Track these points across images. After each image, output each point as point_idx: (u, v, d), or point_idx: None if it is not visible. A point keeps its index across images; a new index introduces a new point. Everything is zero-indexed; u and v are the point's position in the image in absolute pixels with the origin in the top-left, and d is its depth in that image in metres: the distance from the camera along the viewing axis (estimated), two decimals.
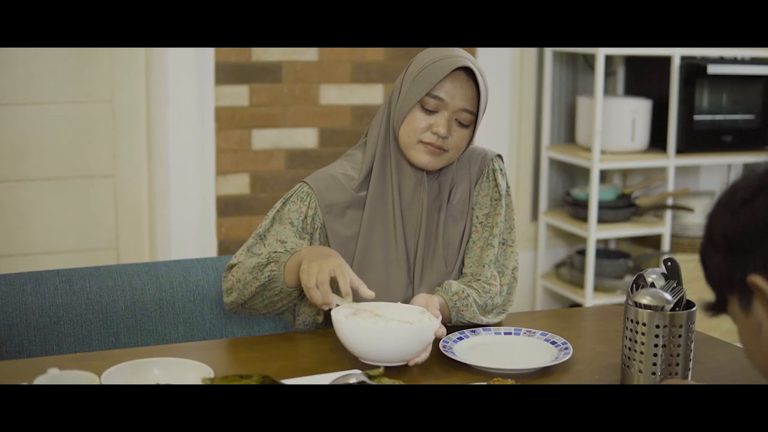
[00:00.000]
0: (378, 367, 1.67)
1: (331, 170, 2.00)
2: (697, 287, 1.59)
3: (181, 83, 3.49)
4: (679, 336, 1.63)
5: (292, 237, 1.92)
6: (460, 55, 1.90)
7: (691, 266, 2.16)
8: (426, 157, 1.92)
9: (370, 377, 1.57)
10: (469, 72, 1.90)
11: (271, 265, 1.86)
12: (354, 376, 1.50)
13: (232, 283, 1.91)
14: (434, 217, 1.99)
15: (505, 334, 1.90)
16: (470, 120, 1.92)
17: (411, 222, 1.98)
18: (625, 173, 4.29)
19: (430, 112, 1.90)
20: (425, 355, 1.74)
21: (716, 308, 1.18)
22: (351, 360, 1.76)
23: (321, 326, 2.01)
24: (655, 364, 1.63)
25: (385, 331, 1.69)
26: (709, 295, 1.20)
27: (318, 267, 1.75)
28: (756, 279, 1.09)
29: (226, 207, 3.67)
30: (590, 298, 3.84)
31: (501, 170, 2.05)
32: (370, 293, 1.75)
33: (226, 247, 3.67)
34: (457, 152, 1.95)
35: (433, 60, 1.90)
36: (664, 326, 1.62)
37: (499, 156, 2.07)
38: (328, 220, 1.94)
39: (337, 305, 1.76)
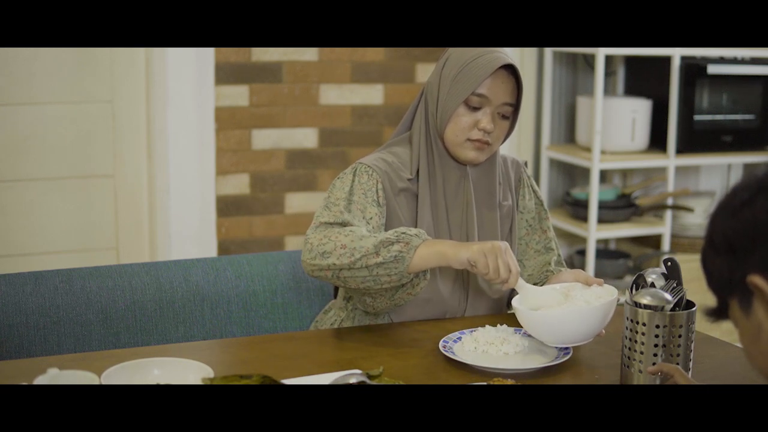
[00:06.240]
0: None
1: (381, 155, 2.02)
2: (697, 287, 1.59)
3: (181, 83, 3.48)
4: (679, 336, 1.63)
5: (370, 207, 1.93)
6: (496, 50, 1.95)
7: (691, 266, 2.17)
8: (473, 153, 1.97)
9: (370, 377, 1.58)
10: (506, 66, 1.94)
11: (400, 244, 1.79)
12: (354, 376, 1.50)
13: (334, 247, 1.80)
14: (486, 214, 2.04)
15: None
16: (510, 111, 1.98)
17: (455, 215, 2.01)
18: (625, 173, 4.29)
19: (474, 108, 1.95)
20: None
21: (717, 313, 1.18)
22: (351, 360, 1.76)
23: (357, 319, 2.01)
24: (654, 365, 1.63)
25: (589, 311, 1.74)
26: (708, 297, 1.20)
27: (489, 247, 1.78)
28: (756, 279, 1.09)
29: (226, 207, 3.67)
30: None
31: (530, 177, 2.15)
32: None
33: (226, 247, 3.67)
34: (498, 143, 2.01)
35: (470, 58, 1.94)
36: (664, 326, 1.62)
37: (525, 163, 2.18)
38: (390, 198, 1.97)
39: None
